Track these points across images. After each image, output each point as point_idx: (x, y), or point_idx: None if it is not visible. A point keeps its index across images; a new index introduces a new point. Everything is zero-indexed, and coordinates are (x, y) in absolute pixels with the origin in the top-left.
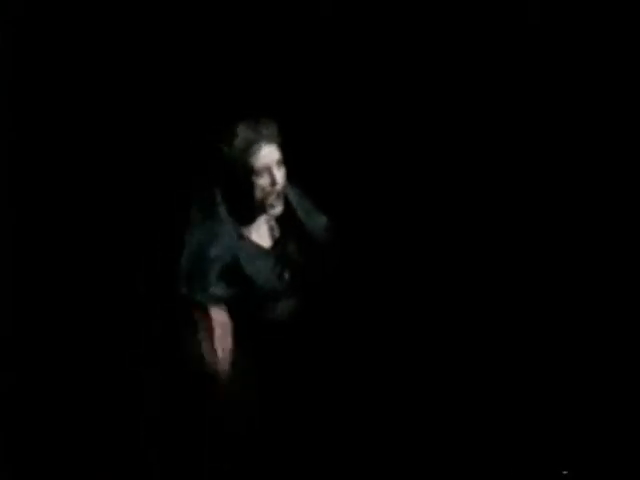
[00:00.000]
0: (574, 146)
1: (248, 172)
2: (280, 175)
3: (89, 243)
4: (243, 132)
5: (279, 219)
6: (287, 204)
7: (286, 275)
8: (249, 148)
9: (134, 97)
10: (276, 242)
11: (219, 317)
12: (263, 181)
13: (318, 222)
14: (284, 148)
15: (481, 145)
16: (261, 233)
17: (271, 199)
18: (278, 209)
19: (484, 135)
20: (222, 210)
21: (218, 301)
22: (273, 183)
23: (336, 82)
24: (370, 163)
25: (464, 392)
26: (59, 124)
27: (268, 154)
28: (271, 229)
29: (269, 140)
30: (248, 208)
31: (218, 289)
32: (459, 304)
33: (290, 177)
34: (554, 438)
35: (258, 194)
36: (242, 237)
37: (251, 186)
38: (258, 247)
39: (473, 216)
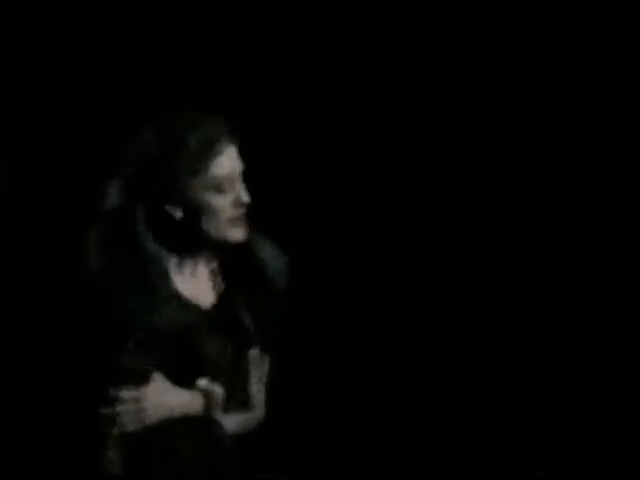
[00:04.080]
0: (574, 146)
1: (204, 184)
2: (244, 191)
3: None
4: (194, 124)
5: (224, 262)
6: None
7: (229, 348)
8: (208, 149)
9: (133, 95)
10: (220, 297)
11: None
12: (224, 200)
13: (278, 261)
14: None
15: (480, 148)
16: (200, 281)
17: (230, 226)
18: (239, 237)
19: (484, 137)
20: (146, 241)
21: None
22: (238, 202)
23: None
24: (365, 162)
25: (453, 395)
26: (59, 124)
27: (234, 159)
28: (213, 275)
29: (231, 140)
30: (191, 241)
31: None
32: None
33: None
34: (540, 439)
35: (219, 216)
36: (171, 291)
37: (207, 206)
38: (193, 308)
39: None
